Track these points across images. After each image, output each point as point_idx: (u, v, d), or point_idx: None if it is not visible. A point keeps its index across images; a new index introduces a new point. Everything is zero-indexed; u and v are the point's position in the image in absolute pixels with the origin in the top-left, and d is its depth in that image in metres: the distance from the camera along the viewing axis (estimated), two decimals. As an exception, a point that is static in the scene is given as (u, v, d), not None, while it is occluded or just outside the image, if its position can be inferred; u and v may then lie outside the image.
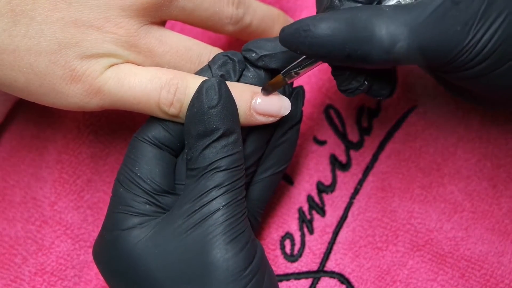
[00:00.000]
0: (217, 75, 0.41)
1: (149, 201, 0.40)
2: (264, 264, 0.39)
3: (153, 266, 0.38)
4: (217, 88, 0.39)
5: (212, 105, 0.39)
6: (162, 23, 0.42)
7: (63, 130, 0.50)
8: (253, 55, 0.41)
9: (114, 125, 0.50)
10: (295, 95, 0.43)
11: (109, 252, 0.40)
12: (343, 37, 0.36)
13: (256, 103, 0.41)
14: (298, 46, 0.37)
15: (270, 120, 0.41)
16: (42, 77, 0.39)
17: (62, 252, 0.47)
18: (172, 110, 0.40)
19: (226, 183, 0.39)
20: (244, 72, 0.42)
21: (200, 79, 0.40)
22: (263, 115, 0.41)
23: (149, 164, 0.40)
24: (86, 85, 0.40)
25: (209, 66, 0.42)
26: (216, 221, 0.38)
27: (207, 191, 0.38)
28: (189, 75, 0.41)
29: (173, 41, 0.42)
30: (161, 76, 0.40)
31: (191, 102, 0.40)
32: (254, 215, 0.44)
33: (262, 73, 0.42)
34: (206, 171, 0.39)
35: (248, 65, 0.42)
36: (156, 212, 0.40)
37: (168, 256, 0.38)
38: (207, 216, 0.38)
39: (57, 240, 0.48)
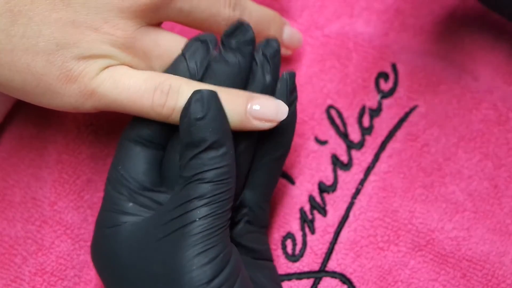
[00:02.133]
0: (193, 67, 0.41)
1: (132, 199, 0.40)
2: (233, 276, 0.39)
3: (129, 266, 0.39)
4: (205, 101, 0.39)
5: (199, 117, 0.39)
6: (158, 24, 0.42)
7: (63, 130, 0.50)
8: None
9: (114, 125, 0.50)
10: (281, 80, 0.43)
11: (97, 250, 0.41)
12: None
13: (252, 108, 0.41)
14: None
15: (267, 125, 0.41)
16: (39, 78, 0.39)
17: (62, 252, 0.47)
18: (166, 111, 0.40)
19: (208, 195, 0.38)
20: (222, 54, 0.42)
21: (193, 84, 0.40)
22: (259, 119, 0.41)
23: (132, 162, 0.41)
24: (82, 86, 0.40)
25: (183, 54, 0.42)
26: (190, 232, 0.38)
27: (188, 201, 0.38)
28: (184, 79, 0.41)
29: (169, 42, 0.42)
30: (156, 78, 0.40)
31: (182, 111, 0.40)
32: (257, 204, 0.44)
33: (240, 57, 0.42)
34: (190, 181, 0.39)
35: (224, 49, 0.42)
36: (139, 211, 0.40)
37: (143, 258, 0.39)
38: (183, 226, 0.38)
39: (57, 240, 0.47)
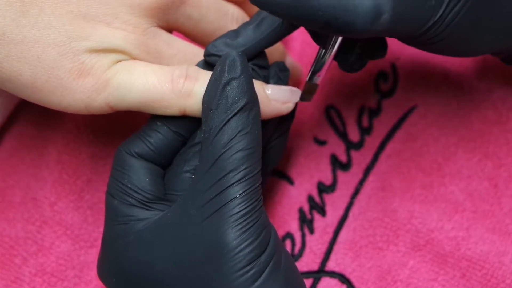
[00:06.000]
0: None
1: (146, 207, 0.40)
2: (279, 246, 0.39)
3: (169, 263, 0.38)
4: (239, 61, 0.38)
5: (235, 76, 0.38)
6: (169, 31, 0.42)
7: (63, 130, 0.50)
8: (218, 59, 0.41)
9: (114, 125, 0.50)
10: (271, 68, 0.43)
11: (120, 262, 0.39)
12: (325, 2, 0.34)
13: (269, 92, 0.41)
14: (273, 7, 0.35)
15: (284, 107, 0.41)
16: (50, 70, 0.38)
17: (62, 253, 0.47)
18: (188, 84, 0.39)
19: (243, 167, 0.37)
20: None
21: (210, 73, 0.40)
22: (277, 101, 0.41)
23: (138, 174, 0.40)
24: (95, 79, 0.39)
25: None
26: (232, 211, 0.37)
27: (223, 176, 0.37)
28: (201, 69, 0.41)
29: (181, 45, 0.42)
30: (171, 66, 0.40)
31: (212, 75, 0.39)
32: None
33: None
34: (224, 150, 0.37)
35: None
36: (155, 214, 0.39)
37: (180, 250, 0.38)
38: (224, 205, 0.37)
39: (57, 241, 0.47)
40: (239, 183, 0.37)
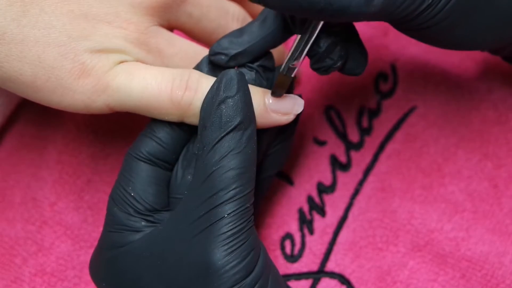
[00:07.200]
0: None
1: (144, 219, 0.39)
2: (267, 268, 0.38)
3: (157, 277, 0.38)
4: (236, 80, 0.38)
5: (231, 95, 0.38)
6: (170, 29, 0.42)
7: (63, 130, 0.50)
8: (223, 57, 0.40)
9: (114, 125, 0.50)
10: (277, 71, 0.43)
11: (110, 270, 0.39)
12: None
13: (270, 101, 0.40)
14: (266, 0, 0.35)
15: (284, 118, 0.41)
16: (50, 71, 0.38)
17: (62, 253, 0.47)
18: (187, 96, 0.39)
19: (234, 186, 0.37)
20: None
21: (213, 79, 0.40)
22: (277, 112, 0.41)
23: (143, 183, 0.40)
24: (95, 80, 0.39)
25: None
26: (220, 230, 0.37)
27: (214, 194, 0.37)
28: (204, 74, 0.41)
29: (182, 44, 0.42)
30: (173, 70, 0.40)
31: (208, 93, 0.39)
32: None
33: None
34: (215, 168, 0.37)
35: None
36: (151, 227, 0.39)
37: (169, 266, 0.38)
38: (213, 223, 0.37)
39: (57, 241, 0.47)
40: (229, 203, 0.37)
